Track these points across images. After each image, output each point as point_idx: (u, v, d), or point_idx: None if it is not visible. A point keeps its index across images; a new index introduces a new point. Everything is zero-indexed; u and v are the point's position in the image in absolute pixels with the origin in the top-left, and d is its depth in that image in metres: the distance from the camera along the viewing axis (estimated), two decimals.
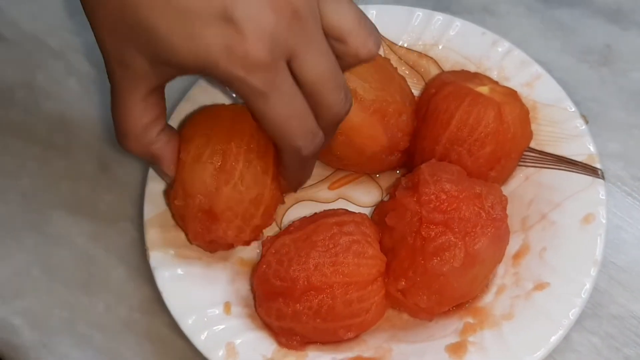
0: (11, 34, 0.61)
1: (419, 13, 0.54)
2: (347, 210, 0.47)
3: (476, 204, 0.42)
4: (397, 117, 0.48)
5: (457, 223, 0.42)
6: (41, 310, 0.49)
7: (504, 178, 0.48)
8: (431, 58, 0.53)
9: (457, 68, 0.52)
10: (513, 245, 0.46)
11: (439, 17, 0.53)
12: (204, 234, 0.44)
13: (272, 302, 0.43)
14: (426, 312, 0.44)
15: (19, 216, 0.52)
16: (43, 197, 0.53)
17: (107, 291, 0.49)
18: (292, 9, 0.35)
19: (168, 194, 0.46)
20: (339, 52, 0.38)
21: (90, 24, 0.39)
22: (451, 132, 0.46)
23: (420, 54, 0.53)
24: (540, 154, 0.48)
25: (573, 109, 0.49)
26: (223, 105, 0.48)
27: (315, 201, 0.51)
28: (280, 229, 0.49)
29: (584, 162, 0.47)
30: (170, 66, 0.37)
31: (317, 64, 0.37)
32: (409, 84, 0.51)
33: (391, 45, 0.54)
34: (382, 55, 0.52)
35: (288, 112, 0.37)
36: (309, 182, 0.50)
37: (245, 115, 0.43)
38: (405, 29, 0.54)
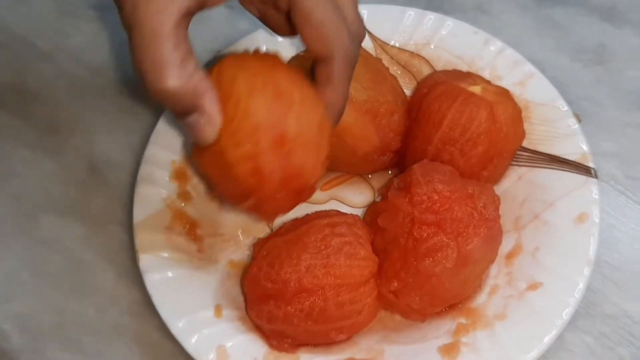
0: (0, 36, 0.61)
1: (411, 12, 0.53)
2: (339, 211, 0.46)
3: (468, 205, 0.42)
4: (389, 117, 0.47)
5: (449, 223, 0.41)
6: (31, 315, 0.48)
7: (496, 178, 0.48)
8: (423, 57, 0.53)
9: (449, 67, 0.52)
10: (506, 245, 0.45)
11: (431, 17, 0.53)
12: (282, 164, 0.38)
13: (263, 305, 0.42)
14: (418, 313, 0.43)
15: (9, 220, 0.52)
16: (32, 201, 0.53)
17: (97, 295, 0.49)
18: None
19: (201, 153, 0.39)
20: None
21: None
22: (443, 132, 0.46)
23: (412, 53, 0.53)
24: (533, 153, 0.48)
25: (566, 108, 0.48)
26: (242, 53, 0.42)
27: (308, 202, 0.50)
28: (271, 230, 0.49)
29: (577, 161, 0.47)
30: None
31: None
32: (401, 83, 0.51)
33: (383, 45, 0.53)
34: (374, 55, 0.52)
35: (332, 8, 0.37)
36: None
37: (269, 57, 0.40)
38: (397, 28, 0.53)
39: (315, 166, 0.40)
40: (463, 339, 0.42)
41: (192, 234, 0.47)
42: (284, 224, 0.46)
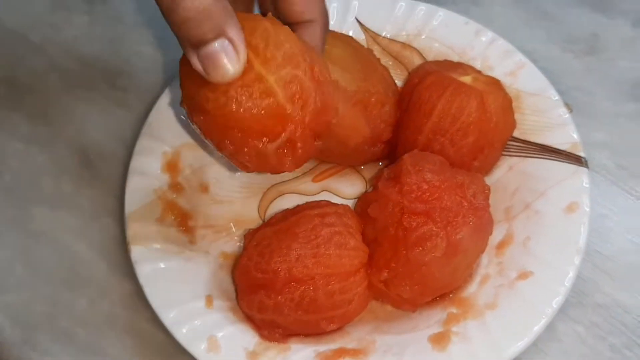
0: None
1: (402, 3, 0.53)
2: (329, 201, 0.46)
3: (458, 194, 0.42)
4: (380, 108, 0.47)
5: (438, 213, 0.41)
6: (23, 307, 0.48)
7: (488, 168, 0.48)
8: (415, 48, 0.53)
9: (441, 58, 0.52)
10: (497, 235, 0.45)
11: (422, 7, 0.53)
12: (318, 91, 0.38)
13: (253, 295, 0.42)
14: (409, 302, 0.44)
15: (1, 213, 0.52)
16: (25, 194, 0.53)
17: (89, 287, 0.49)
18: None
19: (215, 108, 0.37)
20: None
21: None
22: (433, 122, 0.46)
23: (403, 44, 0.53)
24: (524, 143, 0.48)
25: (557, 98, 0.49)
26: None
27: (299, 194, 0.50)
28: (263, 221, 0.49)
29: (568, 150, 0.47)
30: None
31: None
32: (393, 74, 0.51)
33: (374, 36, 0.53)
34: (365, 47, 0.52)
35: None
36: (293, 174, 0.50)
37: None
38: (388, 19, 0.53)
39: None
40: (454, 329, 0.42)
41: (183, 225, 0.47)
42: (275, 214, 0.46)
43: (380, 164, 0.51)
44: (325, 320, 0.43)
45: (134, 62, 0.58)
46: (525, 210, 0.46)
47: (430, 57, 0.52)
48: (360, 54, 0.49)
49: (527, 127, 0.48)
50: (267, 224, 0.45)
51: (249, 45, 0.35)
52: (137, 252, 0.45)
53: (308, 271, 0.41)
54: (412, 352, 0.42)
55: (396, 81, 0.51)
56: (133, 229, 0.46)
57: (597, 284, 0.47)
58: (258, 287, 0.42)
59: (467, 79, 0.46)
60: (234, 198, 0.50)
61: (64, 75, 0.58)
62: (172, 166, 0.49)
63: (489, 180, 0.47)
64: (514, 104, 0.48)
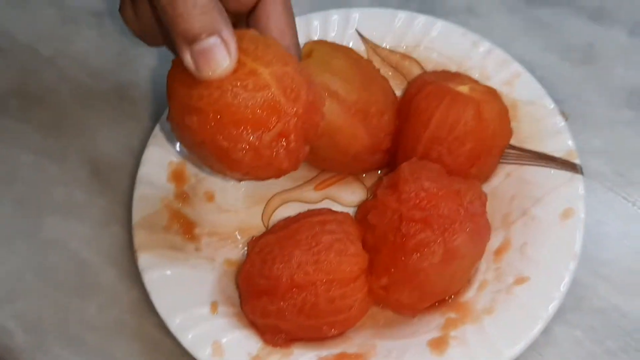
0: (4, 42, 0.62)
1: (401, 15, 0.55)
2: (330, 209, 0.47)
3: (455, 201, 0.43)
4: (380, 118, 0.49)
5: (436, 220, 0.42)
6: (34, 313, 0.50)
7: (485, 175, 0.49)
8: (414, 59, 0.54)
9: (439, 68, 0.53)
10: (494, 242, 0.47)
11: (421, 19, 0.54)
12: (307, 86, 0.39)
13: (257, 300, 0.44)
14: (408, 308, 0.45)
15: (13, 221, 0.53)
16: (36, 203, 0.54)
17: (99, 294, 0.50)
18: None
19: (207, 104, 0.37)
20: None
21: None
22: (431, 131, 0.47)
23: (403, 55, 0.54)
24: (521, 151, 0.49)
25: (552, 106, 0.50)
26: None
27: (302, 202, 0.52)
28: (267, 229, 0.50)
29: (563, 158, 0.48)
30: None
31: None
32: (392, 84, 0.52)
33: (374, 47, 0.55)
34: (365, 58, 0.53)
35: None
36: (295, 182, 0.52)
37: None
38: (388, 31, 0.55)
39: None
40: (452, 333, 0.43)
41: (189, 233, 0.49)
42: (278, 222, 0.47)
43: (380, 172, 0.52)
44: (327, 326, 0.44)
45: (142, 74, 0.59)
46: (523, 217, 0.47)
47: (429, 67, 0.53)
48: (360, 65, 0.50)
49: (524, 135, 0.49)
50: (270, 231, 0.46)
51: (239, 48, 0.37)
52: (144, 259, 0.46)
53: (309, 277, 0.43)
54: (412, 356, 0.43)
55: (396, 91, 0.52)
56: (140, 237, 0.47)
57: (595, 288, 0.48)
58: (261, 293, 0.43)
59: (464, 89, 0.48)
60: (239, 207, 0.51)
61: (74, 87, 0.59)
62: (178, 176, 0.50)
63: (487, 187, 0.48)
64: (510, 113, 0.49)
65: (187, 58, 0.35)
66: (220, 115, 0.37)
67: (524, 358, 0.43)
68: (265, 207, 0.51)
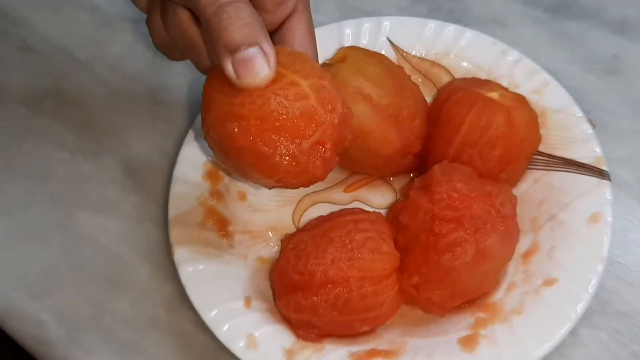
0: (40, 45, 0.64)
1: (432, 24, 0.56)
2: (362, 209, 0.49)
3: (487, 202, 0.44)
4: (411, 121, 0.50)
5: (468, 220, 0.43)
6: (69, 307, 0.51)
7: (514, 180, 0.50)
8: (443, 67, 0.55)
9: (469, 76, 0.54)
10: (523, 245, 0.47)
11: (451, 28, 0.56)
12: (341, 98, 0.41)
13: (290, 296, 0.45)
14: (439, 306, 0.46)
15: (48, 217, 0.55)
16: (70, 200, 0.55)
17: (132, 288, 0.51)
18: None
19: (250, 111, 0.38)
20: None
21: None
22: (462, 135, 0.48)
23: (432, 62, 0.56)
24: (549, 157, 0.50)
25: (580, 114, 0.51)
26: None
27: (332, 203, 0.53)
28: (297, 228, 0.51)
29: (591, 164, 0.49)
30: None
31: None
32: (422, 91, 0.53)
33: (405, 54, 0.56)
34: (396, 64, 0.55)
35: None
36: (325, 184, 0.53)
37: None
38: (418, 39, 0.56)
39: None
40: (481, 332, 0.44)
41: (223, 230, 0.50)
42: (310, 221, 0.48)
43: (411, 175, 0.53)
44: (359, 322, 0.45)
45: (175, 78, 0.61)
46: (550, 221, 0.48)
47: (458, 75, 0.55)
48: (392, 71, 0.51)
49: (552, 142, 0.50)
50: (303, 229, 0.47)
51: (278, 61, 0.38)
52: (179, 254, 0.48)
53: (343, 274, 0.44)
54: (442, 353, 0.44)
55: (425, 97, 0.53)
56: (176, 232, 0.48)
57: (620, 293, 0.49)
58: (295, 288, 0.44)
59: (494, 95, 0.49)
60: (270, 206, 0.52)
61: (108, 90, 0.61)
62: (212, 175, 0.52)
63: (516, 192, 0.49)
64: (539, 120, 0.50)
65: (229, 67, 0.37)
66: (262, 121, 0.38)
67: (549, 359, 0.44)
68: (296, 207, 0.52)
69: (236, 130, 0.38)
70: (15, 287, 0.52)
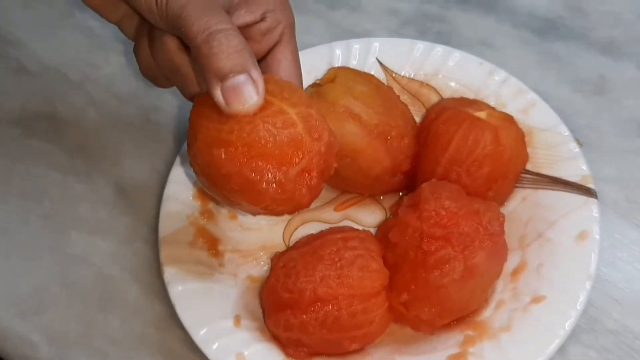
0: (34, 67, 0.65)
1: (420, 45, 0.57)
2: (352, 227, 0.49)
3: (474, 220, 0.45)
4: (400, 141, 0.50)
5: (456, 237, 0.44)
6: (59, 326, 0.51)
7: (502, 198, 0.50)
8: (432, 87, 0.56)
9: (457, 96, 0.55)
10: (511, 263, 0.48)
11: (439, 49, 0.56)
12: (327, 127, 0.41)
13: (280, 313, 0.45)
14: (427, 324, 0.46)
15: (40, 237, 0.55)
16: (63, 219, 0.56)
17: (122, 308, 0.51)
18: None
19: (237, 138, 0.39)
20: None
21: None
22: (450, 153, 0.48)
23: (421, 83, 0.56)
24: (536, 176, 0.51)
25: (567, 133, 0.51)
26: None
27: (322, 222, 0.53)
28: (287, 247, 0.52)
29: (578, 182, 0.49)
30: None
31: None
32: (411, 111, 0.54)
33: (394, 75, 0.57)
34: (385, 84, 0.55)
35: None
36: (316, 203, 0.53)
37: None
38: (407, 60, 0.57)
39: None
40: (470, 350, 0.44)
41: (213, 249, 0.50)
42: (300, 239, 0.48)
43: (400, 194, 0.53)
44: (348, 340, 0.45)
45: (167, 98, 0.61)
46: (538, 239, 0.48)
47: (446, 95, 0.55)
48: (381, 91, 0.52)
49: (539, 161, 0.51)
50: (293, 247, 0.48)
51: (266, 89, 0.39)
52: (169, 273, 0.48)
53: (332, 291, 0.44)
54: None
55: (414, 117, 0.54)
56: (166, 251, 0.49)
57: (608, 311, 0.49)
58: (284, 306, 0.44)
59: (482, 114, 0.49)
60: (261, 225, 0.53)
61: (101, 110, 0.62)
62: (203, 194, 0.52)
63: (504, 210, 0.49)
64: (526, 139, 0.51)
65: (218, 94, 0.38)
66: (249, 148, 0.38)
67: None
68: (286, 226, 0.53)
69: (223, 156, 0.39)
70: (6, 307, 0.52)
